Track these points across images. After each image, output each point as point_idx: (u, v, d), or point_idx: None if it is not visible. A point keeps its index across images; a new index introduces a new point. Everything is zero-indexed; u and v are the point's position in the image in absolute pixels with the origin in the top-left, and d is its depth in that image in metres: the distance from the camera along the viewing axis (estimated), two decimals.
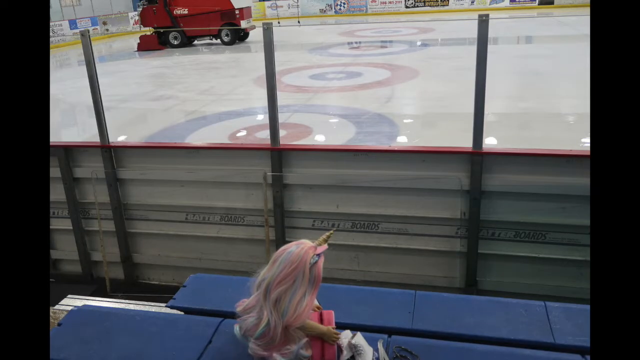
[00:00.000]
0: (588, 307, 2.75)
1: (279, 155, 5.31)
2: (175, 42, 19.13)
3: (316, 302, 2.44)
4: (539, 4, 25.90)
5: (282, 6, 29.20)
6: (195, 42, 19.90)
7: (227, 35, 18.78)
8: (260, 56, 5.10)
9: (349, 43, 18.75)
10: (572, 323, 2.63)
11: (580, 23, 16.98)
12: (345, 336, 2.34)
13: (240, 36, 19.45)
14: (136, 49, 19.10)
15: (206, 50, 18.72)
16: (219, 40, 19.25)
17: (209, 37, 19.62)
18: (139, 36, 19.50)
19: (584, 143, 6.31)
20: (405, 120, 8.30)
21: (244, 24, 18.86)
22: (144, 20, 19.45)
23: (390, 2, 28.62)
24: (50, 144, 5.06)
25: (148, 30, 19.71)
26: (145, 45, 18.87)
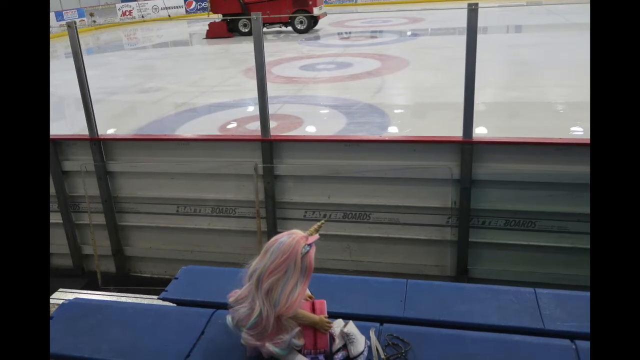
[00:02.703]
0: (577, 293, 2.80)
1: (269, 147, 5.30)
2: (245, 30, 18.19)
3: (308, 292, 2.45)
4: None
5: None
6: (265, 29, 19.10)
7: (300, 22, 17.85)
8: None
9: (339, 33, 18.69)
10: (561, 309, 2.67)
11: (569, 12, 17.02)
12: (338, 325, 2.36)
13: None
14: (205, 36, 18.32)
15: (274, 39, 17.83)
16: (289, 28, 18.35)
17: (278, 25, 18.68)
18: (207, 23, 18.65)
19: (573, 131, 6.36)
20: (395, 111, 8.30)
21: (316, 11, 17.89)
22: (213, 7, 18.59)
23: None
24: None
25: (217, 17, 18.83)
26: (214, 33, 18.13)
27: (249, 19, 17.54)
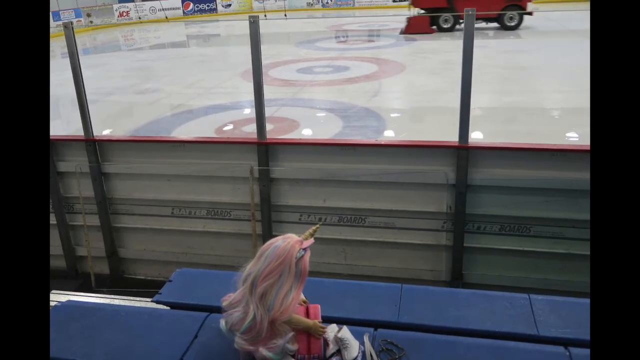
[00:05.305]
0: (571, 299, 2.80)
1: (265, 149, 5.29)
2: (446, 26, 17.15)
3: (302, 296, 2.44)
4: None
5: None
6: (458, 25, 17.34)
7: (511, 18, 16.62)
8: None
9: (336, 37, 18.73)
10: (556, 315, 2.66)
11: (565, 19, 17.11)
12: (332, 330, 2.35)
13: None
14: (402, 32, 17.30)
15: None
16: (491, 25, 17.14)
17: (480, 21, 17.12)
18: (406, 18, 17.60)
19: (569, 137, 6.39)
20: (392, 115, 8.33)
21: (530, 7, 16.68)
22: (415, 1, 17.59)
23: None
24: None
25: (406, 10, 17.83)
26: (415, 28, 17.03)
27: (454, 15, 16.58)
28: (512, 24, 16.80)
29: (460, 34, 4.73)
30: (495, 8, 16.29)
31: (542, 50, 13.18)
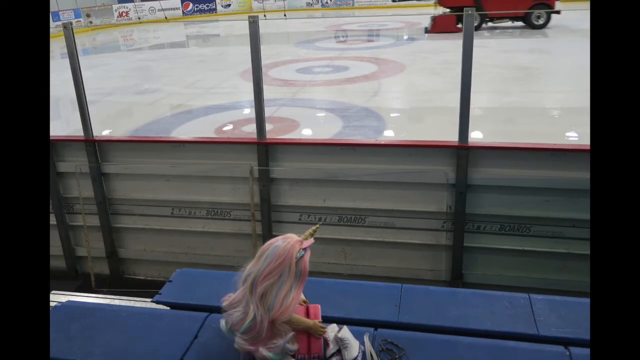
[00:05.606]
0: (571, 299, 2.81)
1: (265, 149, 5.29)
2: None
3: (302, 296, 2.44)
4: None
5: None
6: (490, 24, 17.11)
7: (538, 17, 16.44)
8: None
9: (335, 37, 18.74)
10: (556, 315, 2.67)
11: (565, 18, 17.10)
12: (332, 330, 2.35)
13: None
14: (428, 31, 17.02)
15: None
16: (517, 23, 16.85)
17: (506, 20, 17.21)
18: (431, 17, 17.31)
19: (569, 137, 6.39)
20: (391, 114, 8.33)
21: (558, 5, 16.44)
22: (441, 0, 17.35)
23: None
24: None
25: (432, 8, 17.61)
26: (441, 27, 16.76)
27: (481, 14, 16.31)
28: (540, 23, 16.67)
29: (460, 35, 4.73)
30: (522, 7, 16.16)
31: (541, 50, 13.18)
